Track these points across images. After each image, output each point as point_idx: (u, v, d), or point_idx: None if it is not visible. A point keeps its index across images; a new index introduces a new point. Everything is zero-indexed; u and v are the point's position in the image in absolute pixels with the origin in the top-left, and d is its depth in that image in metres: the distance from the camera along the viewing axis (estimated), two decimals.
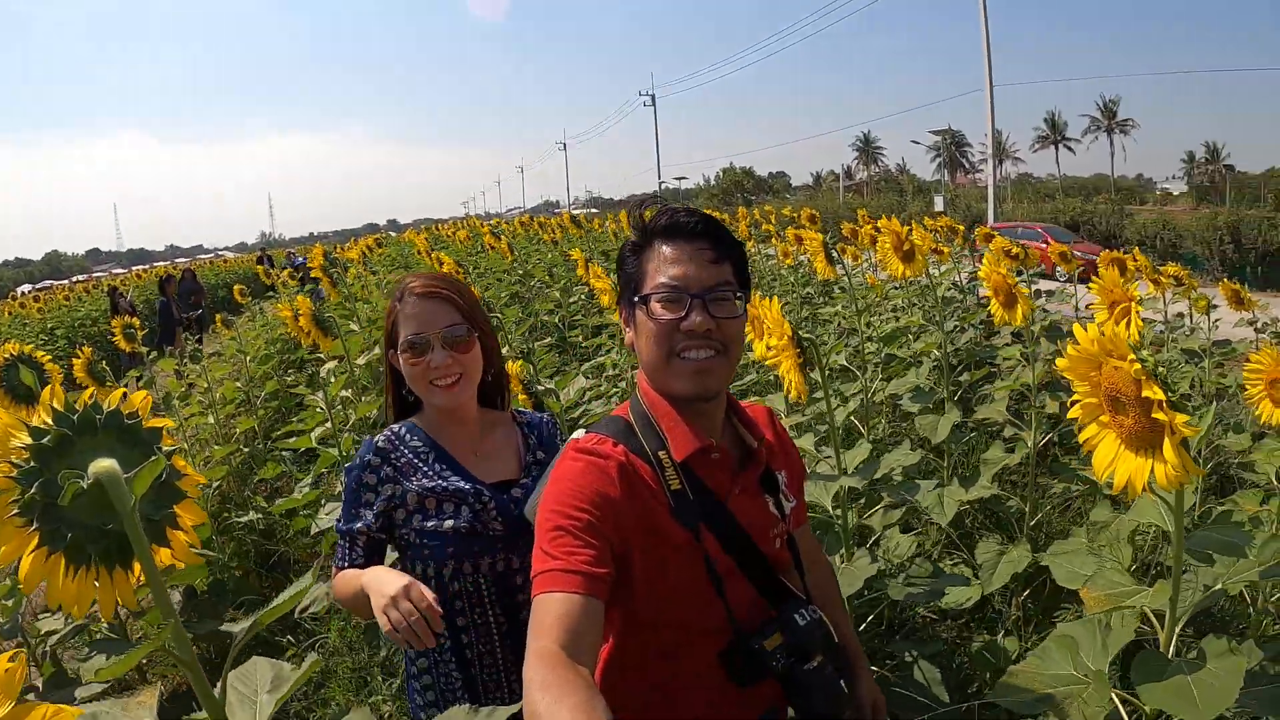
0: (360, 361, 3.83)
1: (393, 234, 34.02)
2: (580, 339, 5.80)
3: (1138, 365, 1.05)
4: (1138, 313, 2.09)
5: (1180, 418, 1.02)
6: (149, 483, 0.71)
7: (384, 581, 1.29)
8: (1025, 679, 1.35)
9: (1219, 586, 1.31)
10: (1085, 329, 1.13)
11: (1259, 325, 4.37)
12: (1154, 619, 1.35)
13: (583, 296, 6.62)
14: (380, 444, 1.51)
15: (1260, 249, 20.38)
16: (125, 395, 0.79)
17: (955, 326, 4.50)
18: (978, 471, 2.67)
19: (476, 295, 1.64)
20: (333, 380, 3.51)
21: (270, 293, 12.24)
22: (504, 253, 8.42)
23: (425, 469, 1.50)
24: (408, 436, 1.54)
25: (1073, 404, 1.22)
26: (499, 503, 1.48)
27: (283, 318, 3.96)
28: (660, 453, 1.18)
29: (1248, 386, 1.93)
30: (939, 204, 31.23)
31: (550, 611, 0.99)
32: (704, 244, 1.19)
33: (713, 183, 65.81)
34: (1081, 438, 1.22)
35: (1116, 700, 1.29)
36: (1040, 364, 3.06)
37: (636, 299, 1.21)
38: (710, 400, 1.21)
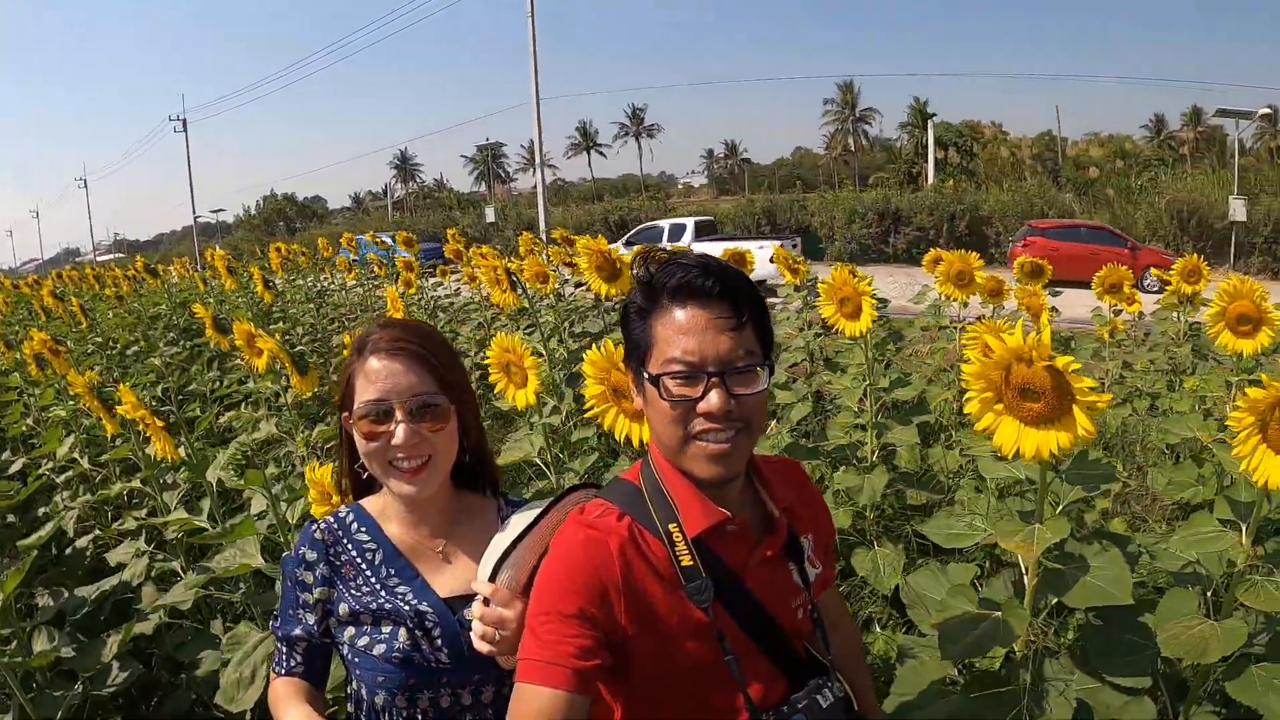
0: None
1: None
2: (203, 412, 4.79)
3: (1063, 360, 1.29)
4: (871, 305, 2.51)
5: (1102, 395, 1.29)
6: None
7: None
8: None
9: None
10: (1002, 340, 1.34)
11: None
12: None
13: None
14: (318, 535, 1.28)
15: (793, 226, 25.78)
16: None
17: None
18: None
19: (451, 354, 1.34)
20: None
21: None
22: (77, 316, 6.11)
23: (368, 573, 1.26)
24: (354, 527, 1.29)
25: (967, 400, 1.44)
26: (447, 627, 1.23)
27: None
28: (671, 526, 1.10)
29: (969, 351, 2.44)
30: (490, 215, 32.85)
31: (531, 704, 0.99)
32: (723, 309, 1.07)
33: (253, 213, 60.32)
34: (979, 426, 1.44)
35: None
36: None
37: (645, 374, 1.09)
38: (731, 481, 1.12)
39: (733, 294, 1.08)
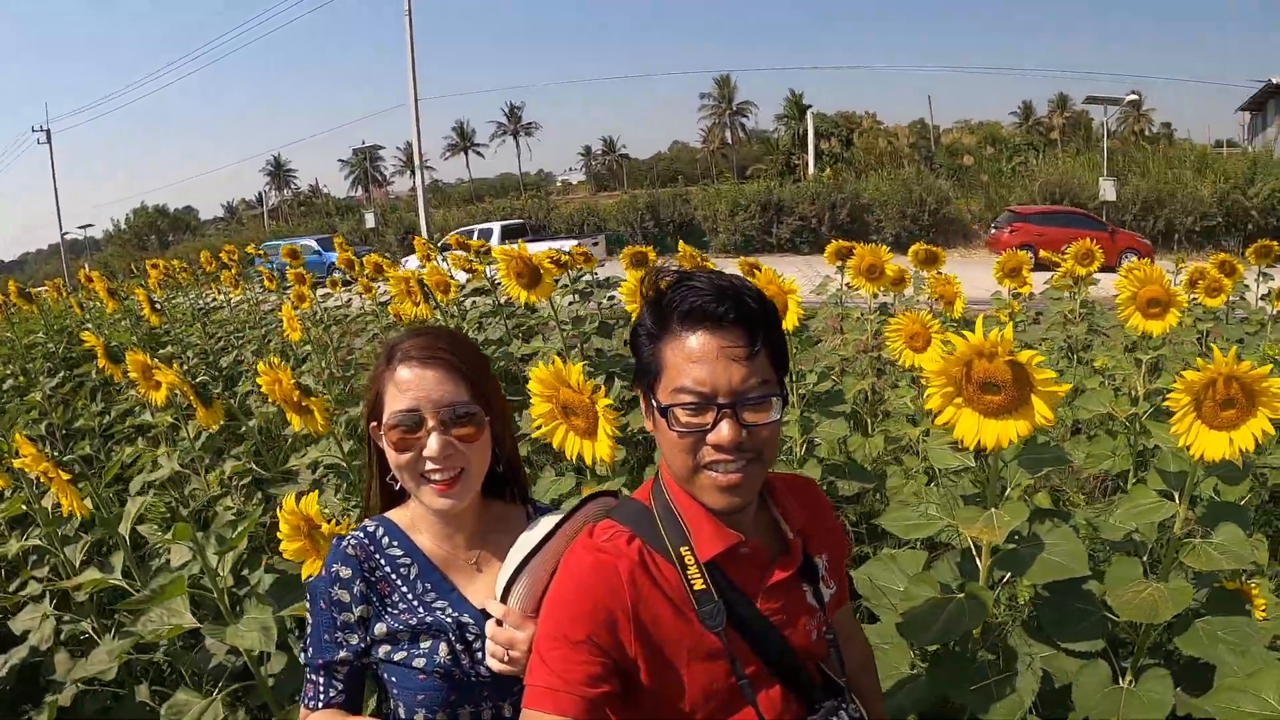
0: None
1: None
2: (94, 449, 4.43)
3: (1026, 354, 1.34)
4: (797, 303, 2.56)
5: (1061, 384, 1.36)
6: None
7: None
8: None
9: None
10: (964, 337, 1.39)
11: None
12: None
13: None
14: (351, 551, 1.22)
15: (677, 221, 25.78)
16: None
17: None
18: None
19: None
20: None
21: None
22: None
23: (404, 589, 1.23)
24: (385, 541, 1.25)
25: (928, 396, 1.49)
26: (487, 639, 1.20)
27: None
28: (683, 549, 1.08)
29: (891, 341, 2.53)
30: (370, 220, 31.94)
31: None
32: (736, 336, 1.03)
33: (123, 227, 56.38)
34: (940, 420, 1.49)
35: None
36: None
37: (655, 402, 1.07)
38: (743, 509, 1.11)
39: (747, 319, 1.03)
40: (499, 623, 1.14)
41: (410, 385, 1.20)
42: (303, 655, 1.25)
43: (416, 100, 24.81)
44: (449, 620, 1.21)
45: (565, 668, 1.01)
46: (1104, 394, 2.72)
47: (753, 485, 1.08)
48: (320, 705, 1.20)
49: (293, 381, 2.01)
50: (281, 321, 4.71)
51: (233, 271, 7.29)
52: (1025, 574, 1.63)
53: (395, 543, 1.25)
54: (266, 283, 6.80)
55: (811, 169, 30.91)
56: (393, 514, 1.30)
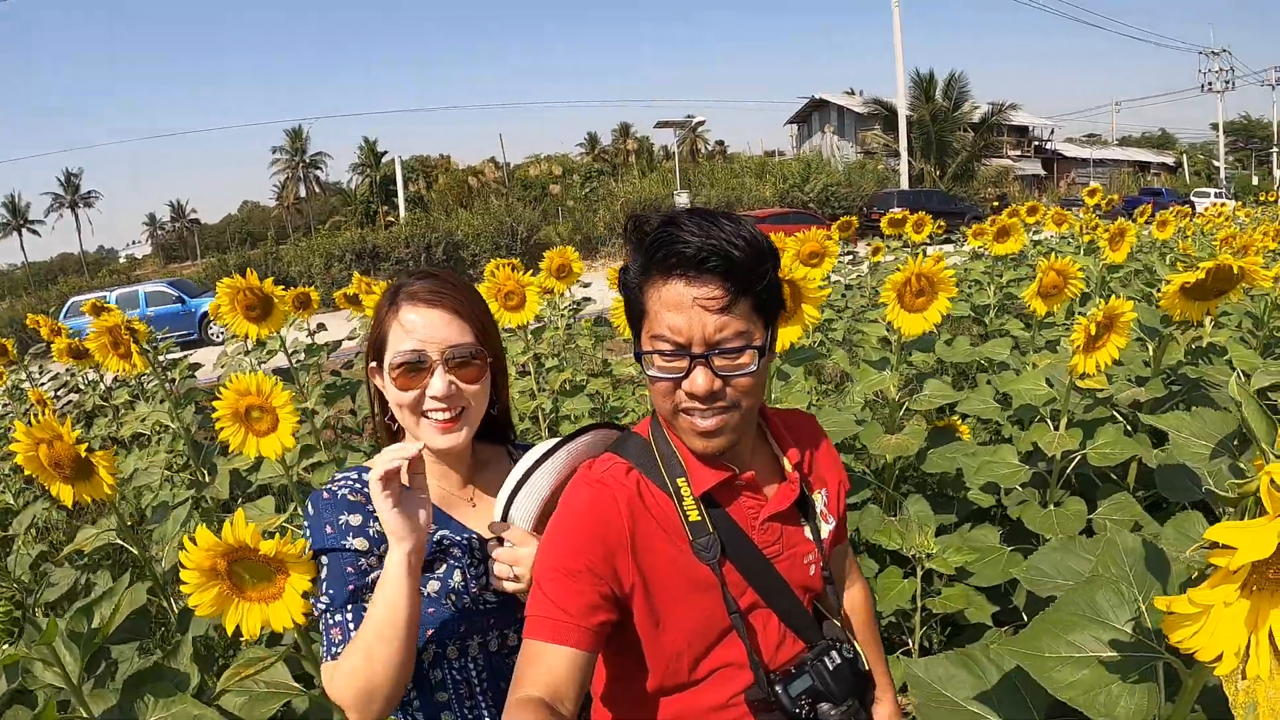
0: None
1: None
2: None
3: (802, 270, 1.90)
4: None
5: (823, 291, 1.95)
6: None
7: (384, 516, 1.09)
8: None
9: None
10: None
11: None
12: None
13: None
14: (350, 496, 1.21)
15: (275, 279, 23.99)
16: None
17: None
18: None
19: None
20: None
21: None
22: None
23: None
24: None
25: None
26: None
27: None
28: (679, 480, 1.11)
29: None
30: None
31: (537, 659, 1.00)
32: (714, 286, 1.00)
33: None
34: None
35: None
36: None
37: (637, 347, 1.10)
38: (725, 452, 1.11)
39: (727, 268, 1.00)
40: (500, 541, 1.18)
41: (416, 326, 1.21)
42: (319, 604, 1.16)
43: None
44: (461, 539, 1.25)
45: (564, 597, 1.02)
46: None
47: (732, 431, 1.08)
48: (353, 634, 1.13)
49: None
50: None
51: None
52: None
53: None
54: None
55: (403, 212, 31.08)
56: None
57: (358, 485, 1.23)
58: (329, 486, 1.23)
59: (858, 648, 1.17)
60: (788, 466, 1.19)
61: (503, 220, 26.38)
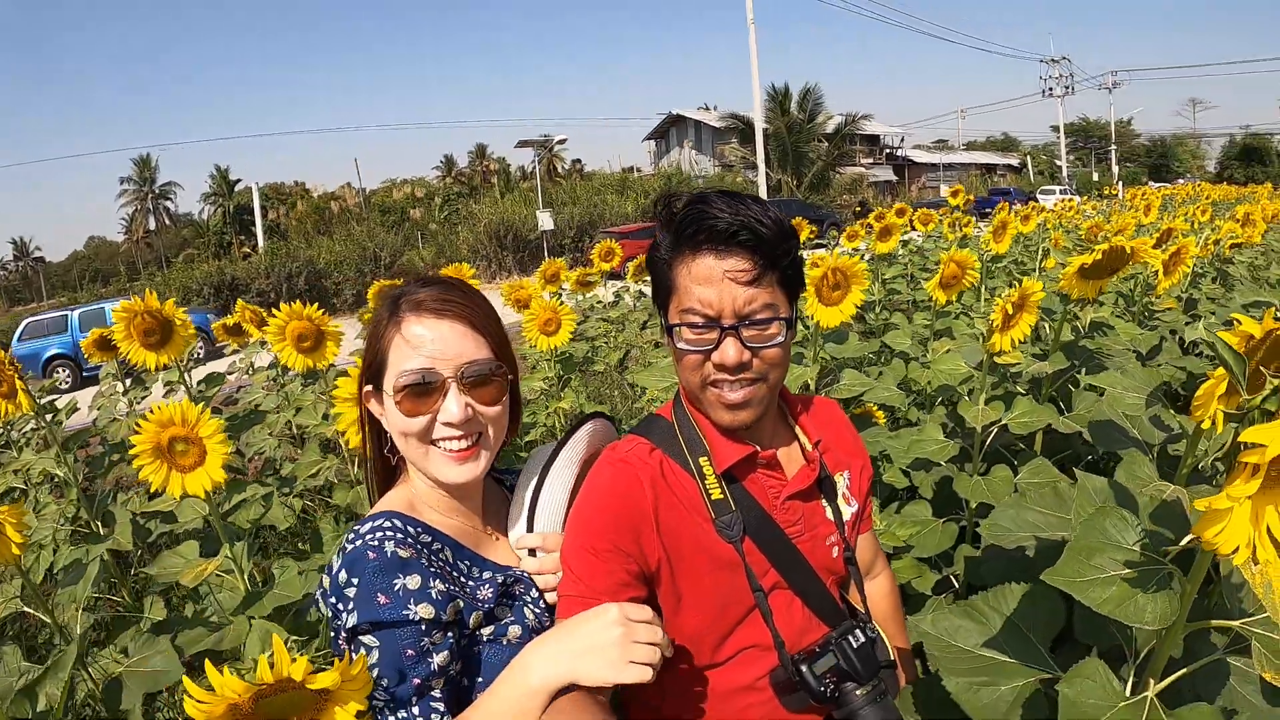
0: None
1: None
2: None
3: None
4: None
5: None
6: None
7: (576, 635, 0.95)
8: None
9: None
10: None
11: None
12: None
13: None
14: (402, 553, 0.99)
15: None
16: None
17: None
18: None
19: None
20: None
21: None
22: None
23: (454, 574, 1.06)
24: (410, 529, 1.04)
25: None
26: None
27: None
28: (702, 459, 1.13)
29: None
30: None
31: None
32: (742, 259, 1.05)
33: None
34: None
35: None
36: None
37: (665, 321, 1.14)
38: (751, 426, 1.14)
39: (755, 243, 1.04)
40: (532, 553, 1.13)
41: (423, 340, 1.05)
42: (373, 699, 0.95)
43: None
44: (506, 577, 1.11)
45: (593, 577, 1.04)
46: None
47: (759, 404, 1.11)
48: None
49: None
50: None
51: None
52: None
53: (414, 529, 1.05)
54: None
55: (262, 242, 29.60)
56: (388, 504, 1.11)
57: (403, 537, 1.01)
58: (366, 540, 0.99)
59: (880, 632, 1.16)
60: (808, 446, 1.22)
61: (365, 246, 25.69)
